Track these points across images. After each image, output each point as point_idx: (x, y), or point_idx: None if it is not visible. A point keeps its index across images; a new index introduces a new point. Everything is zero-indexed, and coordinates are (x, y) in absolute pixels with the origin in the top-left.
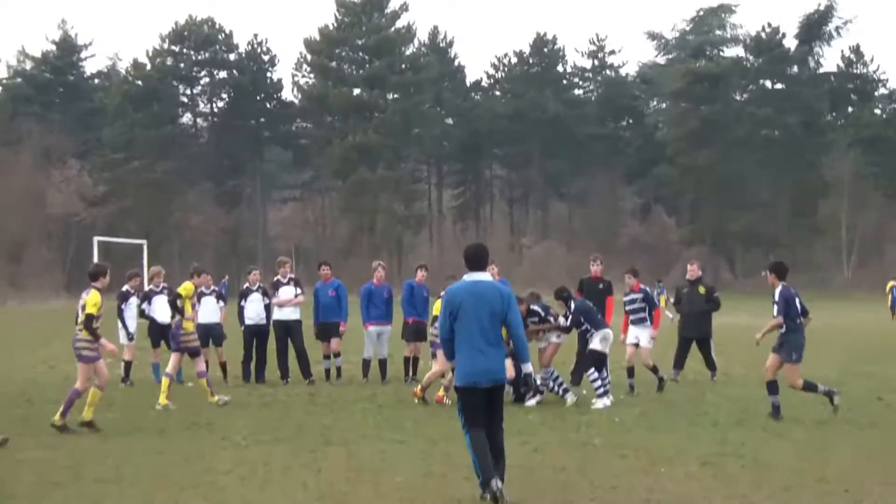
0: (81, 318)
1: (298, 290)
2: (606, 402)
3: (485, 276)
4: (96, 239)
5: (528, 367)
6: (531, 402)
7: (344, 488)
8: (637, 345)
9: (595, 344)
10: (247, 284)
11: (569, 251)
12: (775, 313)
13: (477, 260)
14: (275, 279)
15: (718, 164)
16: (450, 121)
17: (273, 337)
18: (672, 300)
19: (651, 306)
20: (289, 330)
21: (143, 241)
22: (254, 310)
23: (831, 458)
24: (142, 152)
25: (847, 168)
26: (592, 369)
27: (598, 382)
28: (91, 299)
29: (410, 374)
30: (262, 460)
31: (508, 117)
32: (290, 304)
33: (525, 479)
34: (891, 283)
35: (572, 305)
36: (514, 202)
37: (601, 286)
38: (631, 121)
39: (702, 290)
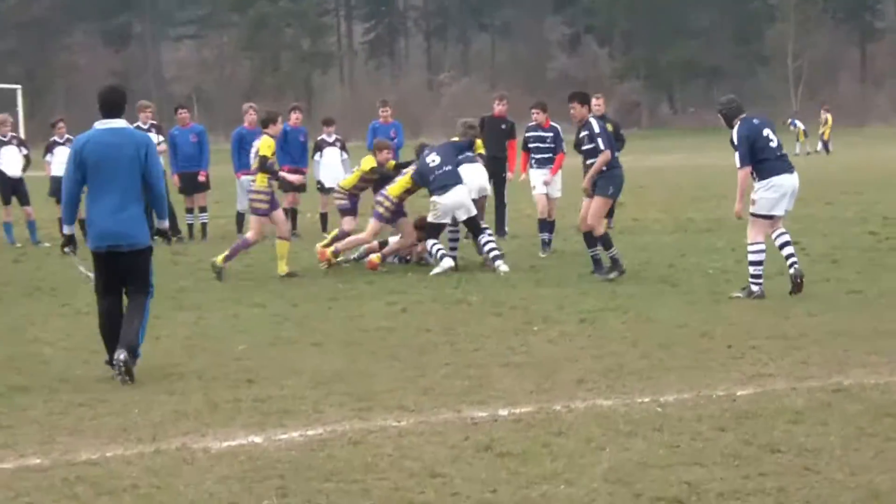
0: (254, 163)
1: (160, 138)
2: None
3: (120, 123)
4: None
5: (163, 224)
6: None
7: (178, 358)
8: (547, 194)
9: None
10: (53, 138)
11: (492, 88)
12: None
13: (111, 104)
14: (135, 125)
15: None
16: None
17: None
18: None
19: (558, 148)
20: None
21: (17, 87)
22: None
23: (725, 312)
24: None
25: None
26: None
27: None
28: (264, 143)
29: (290, 227)
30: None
31: None
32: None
33: (380, 343)
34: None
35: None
36: (432, 35)
37: (503, 126)
38: None
39: (609, 127)
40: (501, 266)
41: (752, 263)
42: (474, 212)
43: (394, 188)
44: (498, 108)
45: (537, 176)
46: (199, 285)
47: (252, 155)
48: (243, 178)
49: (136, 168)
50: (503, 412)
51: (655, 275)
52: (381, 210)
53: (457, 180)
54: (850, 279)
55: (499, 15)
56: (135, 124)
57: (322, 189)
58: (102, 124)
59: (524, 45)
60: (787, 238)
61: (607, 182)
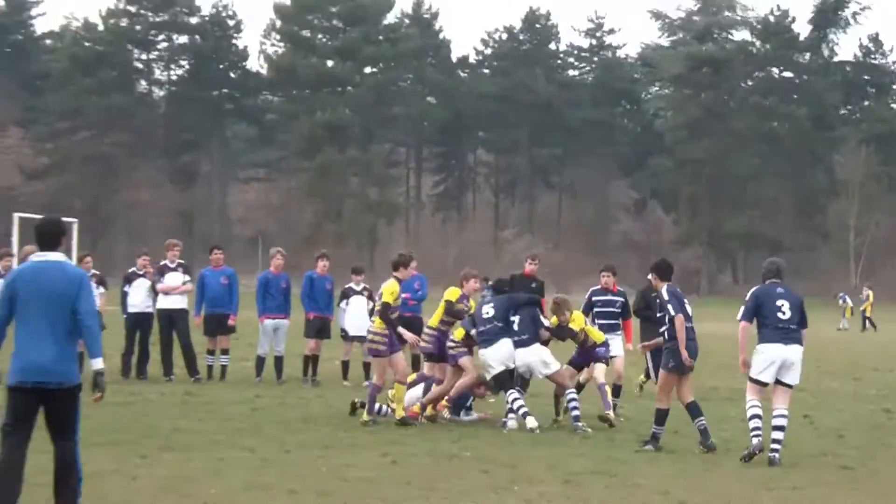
0: (378, 306)
1: (187, 277)
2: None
3: (55, 256)
4: (16, 215)
5: (97, 364)
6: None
7: (145, 500)
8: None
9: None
10: (133, 269)
11: (554, 248)
12: (671, 312)
13: (47, 237)
14: (161, 263)
15: (718, 158)
16: (432, 99)
17: (157, 328)
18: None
19: (626, 314)
20: (173, 321)
21: (74, 220)
22: (138, 297)
23: (711, 480)
24: (90, 122)
25: (859, 167)
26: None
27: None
28: (389, 288)
29: (310, 373)
30: None
31: (495, 98)
32: (176, 291)
33: (354, 494)
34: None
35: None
36: (500, 192)
37: (533, 285)
38: (628, 106)
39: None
40: (529, 422)
41: (748, 419)
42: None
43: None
44: (529, 266)
45: None
46: (196, 426)
47: (377, 297)
48: (266, 321)
49: (67, 303)
50: None
51: (663, 442)
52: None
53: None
54: (848, 455)
55: (566, 174)
56: (162, 262)
57: (346, 337)
58: (37, 257)
59: (590, 206)
60: (781, 422)
61: (668, 355)
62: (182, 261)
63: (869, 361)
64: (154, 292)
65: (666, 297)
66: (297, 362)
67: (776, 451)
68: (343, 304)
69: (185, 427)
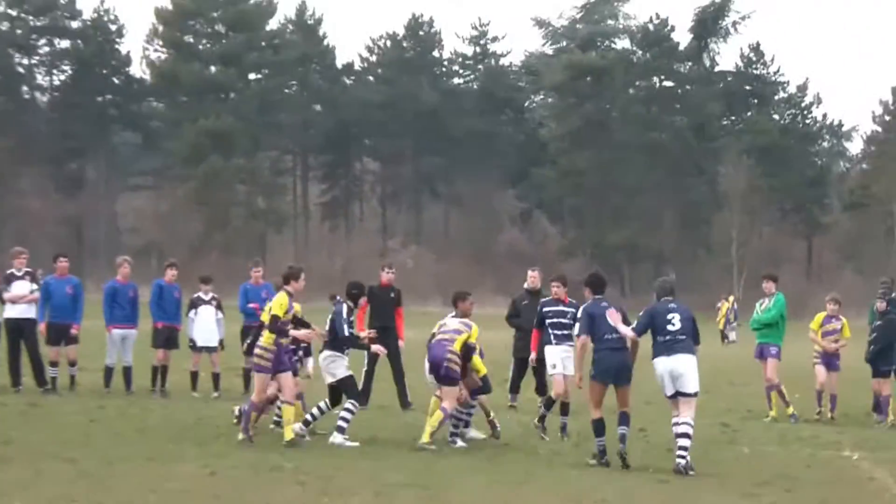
0: (265, 318)
1: (34, 286)
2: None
3: None
4: None
5: None
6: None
7: None
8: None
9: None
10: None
11: (439, 258)
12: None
13: None
14: (7, 272)
15: (601, 169)
16: (317, 107)
17: (3, 338)
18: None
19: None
20: (21, 330)
21: None
22: None
23: (524, 494)
24: None
25: (740, 178)
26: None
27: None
28: (278, 300)
29: (158, 384)
30: None
31: (381, 106)
32: (23, 300)
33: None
34: (725, 305)
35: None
36: (387, 201)
37: (392, 295)
38: (512, 115)
39: None
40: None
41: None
42: (330, 380)
43: None
44: (385, 276)
45: (557, 353)
46: (29, 437)
47: (266, 310)
48: (114, 331)
49: None
50: None
51: (568, 460)
52: None
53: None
54: (668, 469)
55: (452, 184)
56: (8, 271)
57: (194, 347)
58: None
59: (476, 216)
60: (684, 429)
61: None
62: (29, 269)
63: (728, 375)
64: (1, 301)
65: (579, 313)
66: (146, 372)
67: (682, 457)
68: (191, 314)
69: (18, 438)
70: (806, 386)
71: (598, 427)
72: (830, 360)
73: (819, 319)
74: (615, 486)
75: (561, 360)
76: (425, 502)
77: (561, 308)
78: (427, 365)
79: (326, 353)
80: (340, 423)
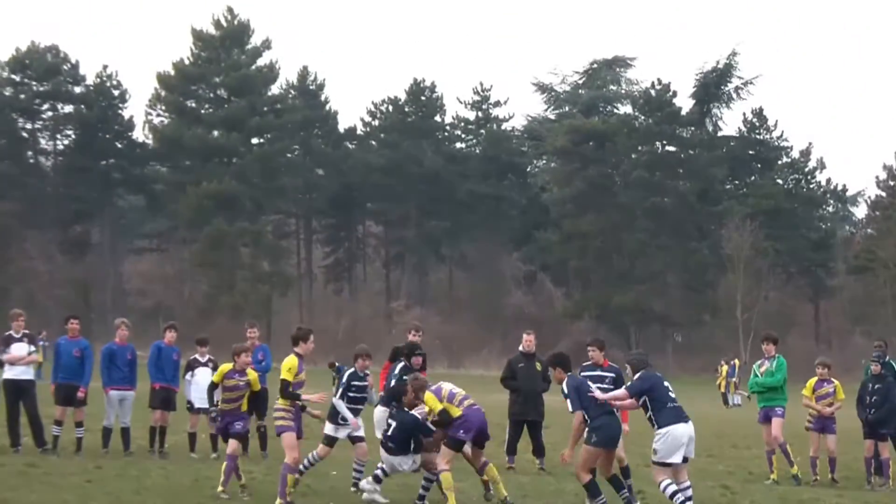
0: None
1: (32, 348)
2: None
3: None
4: None
5: None
6: None
7: None
8: None
9: None
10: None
11: (444, 321)
12: (570, 409)
13: None
14: (6, 334)
15: (605, 232)
16: (320, 171)
17: (2, 399)
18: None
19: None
20: (20, 391)
21: None
22: None
23: None
24: None
25: (744, 241)
26: None
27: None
28: (287, 364)
29: (157, 445)
30: None
31: (383, 170)
32: (22, 361)
33: None
34: (725, 368)
35: None
36: (391, 263)
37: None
38: (515, 179)
39: (538, 365)
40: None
41: (670, 497)
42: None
43: None
44: (412, 338)
45: None
46: (24, 497)
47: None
48: (112, 392)
49: None
50: None
51: None
52: None
53: None
54: None
55: (456, 247)
56: (7, 333)
57: (192, 409)
58: None
59: (481, 279)
60: (690, 493)
61: (591, 432)
62: (27, 331)
63: (732, 438)
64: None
65: (566, 390)
66: (145, 433)
67: None
68: (188, 376)
69: (13, 498)
70: (803, 447)
71: (594, 487)
72: (826, 423)
73: (811, 385)
74: None
75: None
76: None
77: (599, 373)
78: (468, 433)
79: (382, 408)
80: (421, 491)
